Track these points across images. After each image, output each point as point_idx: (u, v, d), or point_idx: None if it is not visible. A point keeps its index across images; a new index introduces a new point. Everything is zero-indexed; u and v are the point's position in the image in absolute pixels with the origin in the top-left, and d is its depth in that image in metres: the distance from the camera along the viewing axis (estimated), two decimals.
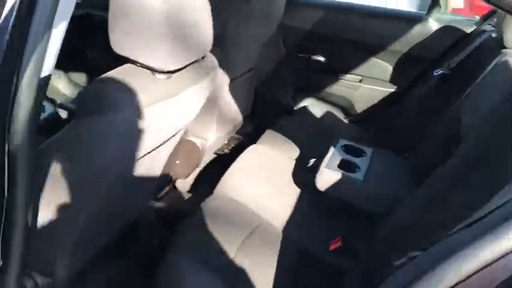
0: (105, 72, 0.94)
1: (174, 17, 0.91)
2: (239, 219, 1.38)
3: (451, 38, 1.91)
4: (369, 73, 2.11)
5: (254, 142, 1.84)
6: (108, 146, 0.92)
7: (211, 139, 1.84)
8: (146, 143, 1.03)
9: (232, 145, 2.18)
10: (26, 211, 0.83)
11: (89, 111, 0.90)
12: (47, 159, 0.93)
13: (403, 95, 2.06)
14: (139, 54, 0.93)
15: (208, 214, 1.36)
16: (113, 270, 1.39)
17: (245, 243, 1.27)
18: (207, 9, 1.03)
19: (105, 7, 0.94)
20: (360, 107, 2.18)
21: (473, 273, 0.64)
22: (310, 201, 1.51)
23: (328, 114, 2.15)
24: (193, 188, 1.85)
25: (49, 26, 0.72)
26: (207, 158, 1.99)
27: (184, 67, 1.04)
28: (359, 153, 1.62)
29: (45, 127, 1.45)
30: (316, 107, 2.19)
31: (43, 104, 0.80)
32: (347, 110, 2.23)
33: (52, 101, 1.74)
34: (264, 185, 1.56)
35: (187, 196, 1.79)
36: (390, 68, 2.08)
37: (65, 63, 1.89)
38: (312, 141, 1.86)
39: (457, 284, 0.65)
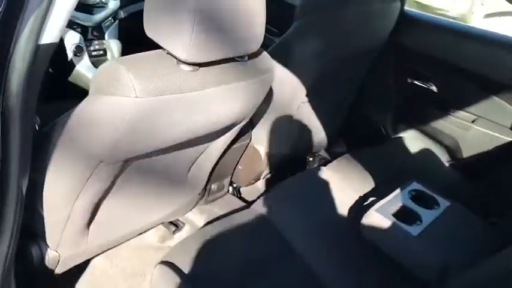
0: None
1: (210, 7, 0.85)
2: (263, 239, 1.27)
3: None
4: (485, 114, 1.76)
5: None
6: (117, 128, 0.89)
7: (281, 151, 1.74)
8: (164, 133, 0.98)
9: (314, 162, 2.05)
10: (19, 175, 0.84)
11: (102, 91, 0.88)
12: (55, 136, 0.96)
13: None
14: (165, 39, 0.88)
15: (233, 225, 1.29)
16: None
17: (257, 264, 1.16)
18: (257, 10, 0.95)
19: None
20: (467, 152, 1.83)
21: None
22: (350, 243, 1.31)
23: (426, 151, 1.86)
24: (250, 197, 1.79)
25: None
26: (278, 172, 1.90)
27: (216, 63, 0.98)
28: (429, 204, 1.36)
29: None
30: (415, 141, 1.91)
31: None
32: (452, 152, 1.89)
33: None
34: (308, 213, 1.40)
35: (239, 205, 1.72)
36: None
37: None
38: (391, 177, 1.62)
39: None
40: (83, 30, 1.76)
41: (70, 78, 1.85)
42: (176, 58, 0.90)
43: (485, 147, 1.78)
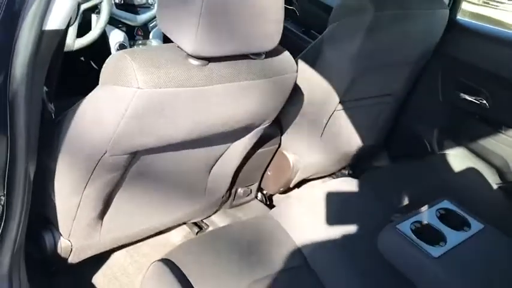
0: None
1: (219, 1, 0.86)
2: (275, 250, 1.23)
3: None
4: None
5: None
6: (119, 118, 0.90)
7: (311, 160, 1.70)
8: (169, 127, 0.99)
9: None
10: (26, 159, 0.86)
11: (108, 81, 0.91)
12: (65, 125, 1.00)
13: None
14: (174, 32, 0.90)
15: (245, 230, 1.27)
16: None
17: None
18: (273, 6, 0.94)
19: None
20: None
21: None
22: (367, 260, 1.23)
23: (472, 171, 1.72)
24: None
25: None
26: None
27: (228, 59, 0.97)
28: (459, 225, 1.25)
29: None
30: (461, 159, 1.78)
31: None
32: (501, 174, 1.74)
33: None
34: (327, 225, 1.33)
35: (265, 212, 1.69)
36: None
37: None
38: (428, 194, 1.51)
39: None
40: (129, 30, 1.83)
41: None
42: (185, 52, 0.90)
43: None
